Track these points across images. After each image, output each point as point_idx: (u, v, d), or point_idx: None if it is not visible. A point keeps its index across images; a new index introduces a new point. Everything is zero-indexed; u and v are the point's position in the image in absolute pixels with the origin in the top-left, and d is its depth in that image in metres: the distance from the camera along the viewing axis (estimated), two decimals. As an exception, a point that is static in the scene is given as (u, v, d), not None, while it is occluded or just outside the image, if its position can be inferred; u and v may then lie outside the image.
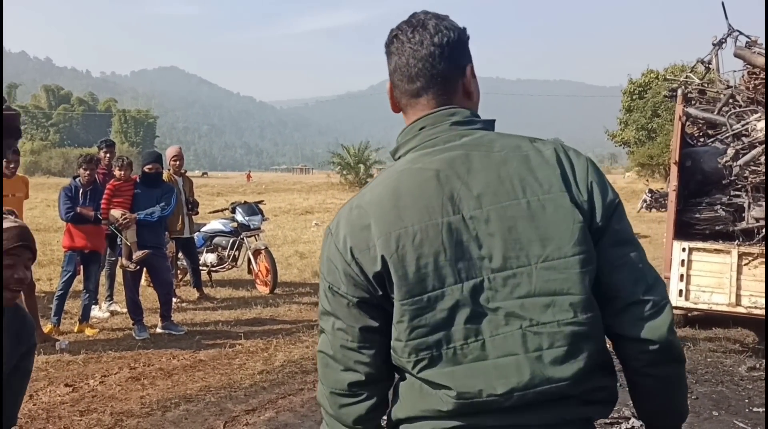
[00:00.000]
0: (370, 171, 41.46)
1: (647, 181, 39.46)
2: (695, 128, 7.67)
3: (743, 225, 6.32)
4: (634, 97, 48.31)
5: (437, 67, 1.39)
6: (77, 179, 6.78)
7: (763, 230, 6.20)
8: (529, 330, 1.26)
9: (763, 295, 5.72)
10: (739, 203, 6.49)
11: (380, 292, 1.32)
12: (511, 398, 1.26)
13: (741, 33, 8.22)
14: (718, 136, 7.26)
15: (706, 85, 8.11)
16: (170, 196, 7.02)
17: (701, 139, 7.47)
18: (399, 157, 1.42)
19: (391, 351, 1.34)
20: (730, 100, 7.41)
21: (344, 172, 40.83)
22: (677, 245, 6.24)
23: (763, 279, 5.69)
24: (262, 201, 10.44)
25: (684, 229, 6.50)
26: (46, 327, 6.59)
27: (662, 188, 31.47)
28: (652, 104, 45.84)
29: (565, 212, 1.28)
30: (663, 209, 28.20)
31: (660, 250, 14.80)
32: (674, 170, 6.46)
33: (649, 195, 28.70)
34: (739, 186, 6.40)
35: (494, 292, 1.27)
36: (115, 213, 6.74)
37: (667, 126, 44.12)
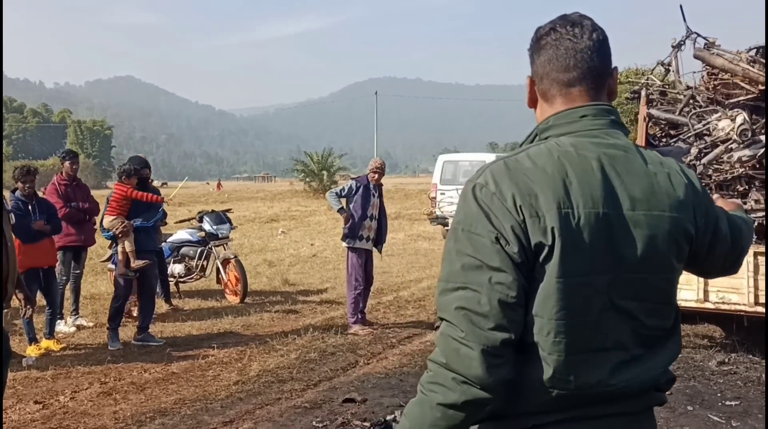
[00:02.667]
0: (334, 178, 41.35)
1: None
2: (657, 129, 7.83)
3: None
4: (591, 100, 49.17)
5: (593, 61, 1.46)
6: (17, 193, 6.63)
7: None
8: (638, 330, 1.40)
9: (730, 291, 5.86)
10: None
11: (528, 262, 1.33)
12: (620, 389, 1.37)
13: (699, 35, 8.41)
14: (681, 136, 7.42)
15: (666, 87, 8.28)
16: (159, 203, 6.99)
17: (663, 139, 7.62)
18: (548, 137, 1.46)
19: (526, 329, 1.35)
20: (691, 101, 7.57)
21: (308, 180, 40.63)
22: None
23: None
24: (230, 209, 10.32)
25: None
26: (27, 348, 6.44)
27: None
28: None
29: (687, 233, 1.45)
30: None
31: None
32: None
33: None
34: (703, 184, 6.53)
35: (622, 290, 1.36)
36: (115, 221, 6.64)
37: (628, 127, 45.06)
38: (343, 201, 7.57)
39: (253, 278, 10.34)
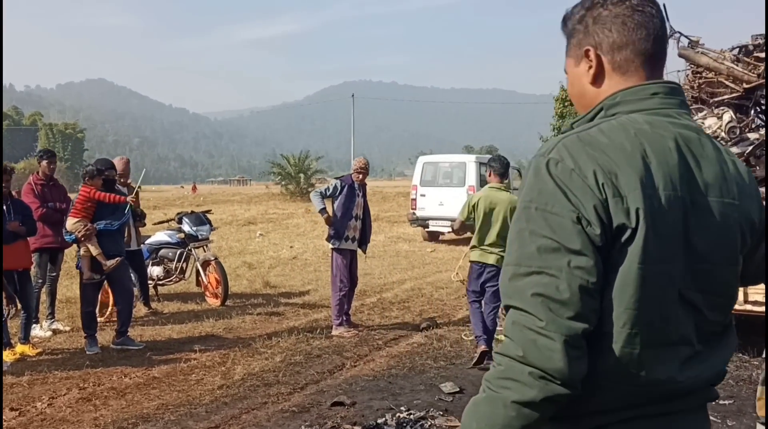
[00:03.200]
0: (311, 181, 41.13)
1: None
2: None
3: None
4: (566, 103, 49.45)
5: (664, 40, 1.41)
6: None
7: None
8: (701, 324, 1.30)
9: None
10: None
11: (607, 245, 1.21)
12: (687, 386, 1.29)
13: (682, 34, 8.44)
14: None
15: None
16: (125, 204, 6.73)
17: None
18: (615, 113, 1.35)
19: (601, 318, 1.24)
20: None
21: (284, 183, 40.37)
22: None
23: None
24: (210, 210, 10.13)
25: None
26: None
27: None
28: (585, 110, 47.12)
29: (751, 224, 1.37)
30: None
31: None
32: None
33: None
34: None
35: (690, 281, 1.28)
36: (78, 224, 6.41)
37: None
38: (328, 201, 7.44)
39: (234, 281, 10.15)
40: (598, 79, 1.40)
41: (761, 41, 7.62)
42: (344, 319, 7.31)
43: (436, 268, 12.24)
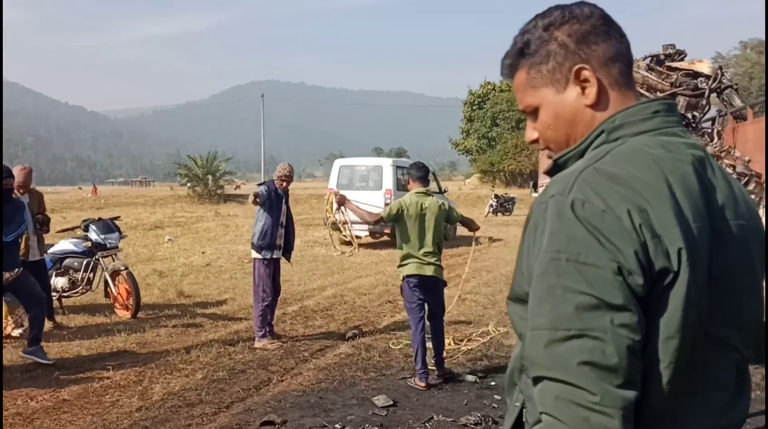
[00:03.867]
0: (220, 182, 40.17)
1: (493, 186, 41.38)
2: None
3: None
4: (474, 107, 50.61)
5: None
6: None
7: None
8: (739, 362, 1.20)
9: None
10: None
11: (648, 291, 1.07)
12: None
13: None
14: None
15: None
16: (22, 213, 6.16)
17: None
18: (618, 137, 1.22)
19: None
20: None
21: (192, 185, 39.25)
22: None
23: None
24: (119, 217, 9.57)
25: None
26: None
27: (506, 193, 33.16)
28: (492, 114, 48.25)
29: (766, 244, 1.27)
30: (507, 213, 29.68)
31: (516, 253, 15.46)
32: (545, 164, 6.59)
33: (495, 200, 30.13)
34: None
35: (720, 316, 1.15)
36: None
37: (506, 135, 46.70)
38: (253, 208, 7.11)
39: (144, 290, 9.62)
40: (600, 99, 1.25)
41: (671, 51, 7.91)
42: (267, 330, 7.03)
43: (356, 274, 12.08)
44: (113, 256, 8.53)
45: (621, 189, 1.09)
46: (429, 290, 5.67)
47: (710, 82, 7.26)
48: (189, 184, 39.66)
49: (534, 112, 1.33)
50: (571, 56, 1.25)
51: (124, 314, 8.27)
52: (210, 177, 39.16)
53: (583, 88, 1.25)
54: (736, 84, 7.49)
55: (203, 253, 15.23)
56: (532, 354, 1.09)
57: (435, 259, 5.61)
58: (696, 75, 7.33)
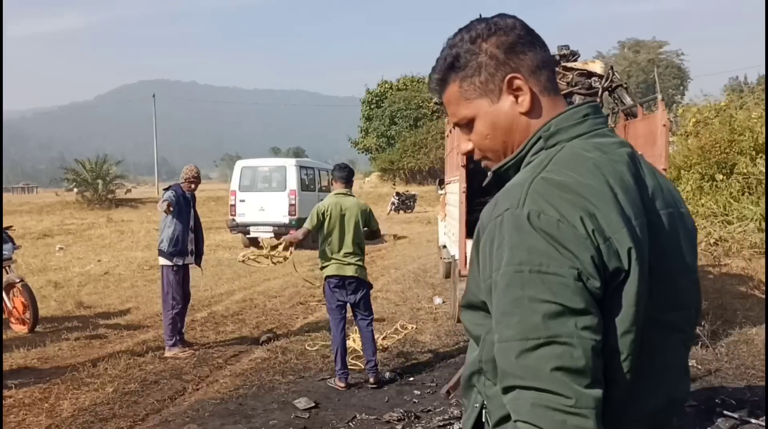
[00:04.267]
0: (110, 187, 38.50)
1: (393, 184, 41.83)
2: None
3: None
4: (372, 106, 50.95)
5: None
6: None
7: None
8: (683, 345, 1.30)
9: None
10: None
11: (603, 292, 1.14)
12: (667, 414, 1.27)
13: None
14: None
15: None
16: None
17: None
18: (556, 143, 1.28)
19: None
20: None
21: (80, 190, 37.38)
22: (469, 243, 6.55)
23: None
24: (11, 226, 9.00)
25: (472, 229, 6.85)
26: None
27: (407, 191, 33.62)
28: (390, 113, 48.74)
29: (693, 227, 1.35)
30: (409, 210, 30.10)
31: (421, 250, 15.71)
32: (462, 173, 6.75)
33: (397, 198, 30.49)
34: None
35: (663, 302, 1.23)
36: None
37: (404, 133, 47.33)
38: (160, 214, 6.87)
39: (40, 303, 9.08)
40: (534, 107, 1.31)
41: (566, 52, 8.27)
42: (178, 338, 6.83)
43: (264, 277, 11.92)
44: (7, 267, 8.03)
45: (570, 196, 1.14)
46: (351, 291, 5.66)
47: (603, 82, 7.65)
48: (77, 190, 37.75)
49: (468, 124, 1.36)
50: (502, 67, 1.29)
51: (20, 329, 7.81)
52: (100, 181, 37.41)
53: (517, 97, 1.30)
54: (626, 83, 7.92)
55: (99, 261, 14.58)
56: (503, 365, 1.12)
57: (356, 259, 5.63)
58: (590, 75, 7.71)
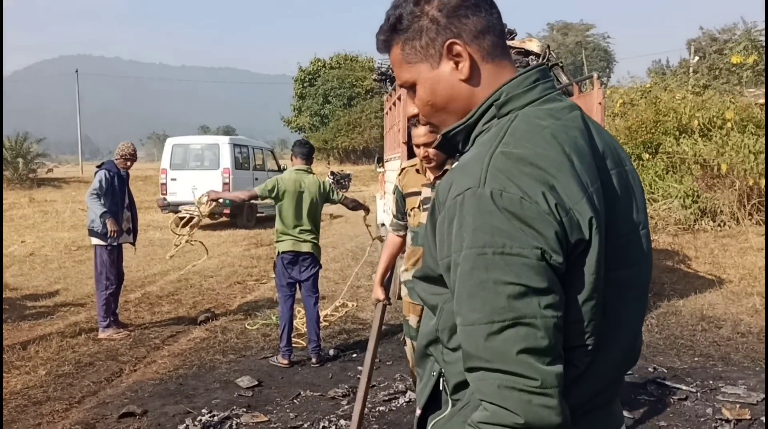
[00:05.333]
0: (31, 166, 36.95)
1: (328, 164, 41.58)
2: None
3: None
4: (305, 84, 50.40)
5: None
6: None
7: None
8: (637, 301, 1.28)
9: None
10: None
11: (565, 267, 1.13)
12: (622, 369, 1.30)
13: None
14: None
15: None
16: None
17: (412, 119, 7.95)
18: (510, 111, 1.25)
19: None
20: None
21: (-2, 169, 35.72)
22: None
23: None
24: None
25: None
26: None
27: (341, 170, 33.49)
28: (323, 91, 48.34)
29: (640, 183, 1.34)
30: (344, 190, 30.05)
31: (358, 228, 15.68)
32: (403, 150, 6.75)
33: (332, 177, 30.34)
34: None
35: (618, 260, 1.21)
36: None
37: (338, 112, 47.08)
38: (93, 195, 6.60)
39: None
40: (473, 73, 1.26)
41: (507, 30, 8.35)
42: (112, 319, 6.63)
43: (198, 256, 11.68)
44: None
45: (530, 170, 1.12)
46: (305, 268, 5.60)
47: (540, 60, 7.76)
48: (-5, 168, 36.08)
49: (412, 87, 1.33)
50: (443, 31, 1.25)
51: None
52: (20, 160, 35.86)
53: (457, 63, 1.26)
54: (561, 61, 8.06)
55: (23, 242, 13.99)
56: (469, 348, 1.11)
57: (311, 236, 5.58)
58: (527, 53, 7.81)
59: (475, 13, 1.25)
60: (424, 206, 3.66)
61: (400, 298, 5.65)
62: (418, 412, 1.41)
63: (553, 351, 1.08)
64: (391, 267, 4.08)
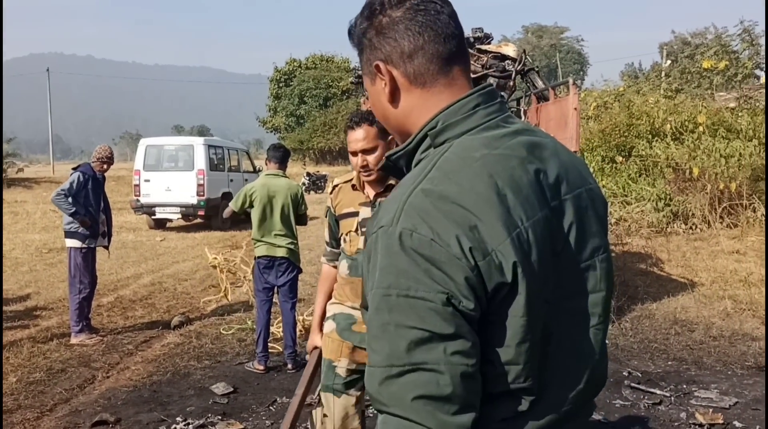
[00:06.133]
0: (2, 165, 36.30)
1: (304, 164, 41.46)
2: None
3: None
4: (280, 84, 50.16)
5: (459, 37, 1.21)
6: None
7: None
8: (596, 328, 1.22)
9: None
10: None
11: (484, 308, 1.07)
12: (581, 409, 1.23)
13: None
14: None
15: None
16: None
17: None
18: (445, 141, 1.18)
19: (489, 380, 1.10)
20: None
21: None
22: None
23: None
24: None
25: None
26: None
27: (317, 171, 33.40)
28: (299, 92, 48.16)
29: (604, 202, 1.29)
30: (320, 191, 29.97)
31: (333, 230, 15.69)
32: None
33: (308, 178, 30.28)
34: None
35: (568, 287, 1.17)
36: None
37: (314, 112, 46.92)
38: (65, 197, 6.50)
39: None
40: (395, 97, 1.23)
41: (480, 34, 8.39)
42: (85, 324, 6.54)
43: (173, 259, 11.58)
44: None
45: (450, 208, 1.06)
46: (281, 273, 5.58)
47: (515, 65, 7.80)
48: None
49: None
50: (374, 51, 1.22)
51: None
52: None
53: (384, 84, 1.22)
54: (537, 66, 8.11)
55: (-8, 244, 13.73)
56: (370, 390, 1.08)
57: (286, 241, 5.56)
58: (503, 57, 7.84)
59: (405, 35, 1.19)
60: (362, 229, 2.95)
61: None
62: None
63: (460, 401, 1.02)
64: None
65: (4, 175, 36.26)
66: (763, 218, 11.23)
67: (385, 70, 1.20)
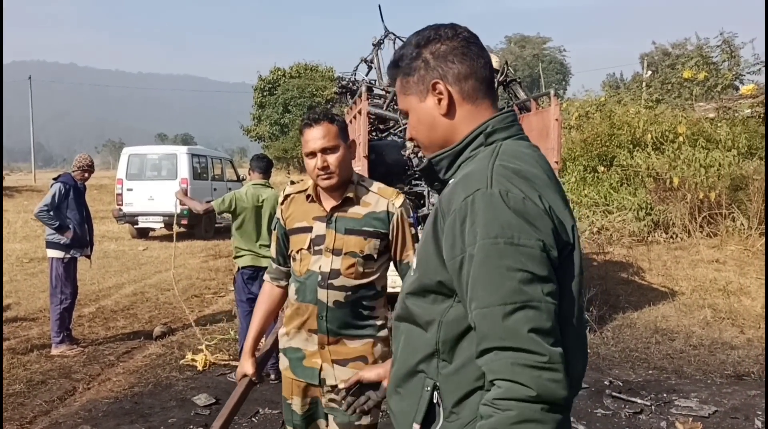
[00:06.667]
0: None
1: (288, 173, 41.39)
2: (368, 122, 8.18)
3: (424, 211, 6.94)
4: (265, 93, 50.07)
5: (494, 69, 1.62)
6: None
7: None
8: (583, 311, 1.46)
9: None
10: (419, 191, 7.11)
11: (556, 264, 1.31)
12: (579, 387, 1.48)
13: (396, 36, 8.99)
14: (391, 130, 7.85)
15: (372, 83, 8.69)
16: None
17: (373, 133, 7.98)
18: (495, 141, 1.47)
19: None
20: (395, 97, 8.06)
21: (-53, 176, 34.67)
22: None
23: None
24: None
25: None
26: None
27: (301, 179, 33.36)
28: (283, 100, 48.12)
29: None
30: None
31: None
32: (365, 164, 6.76)
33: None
34: (418, 175, 6.99)
35: (580, 266, 1.42)
36: None
37: (298, 121, 46.87)
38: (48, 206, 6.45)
39: None
40: (450, 110, 1.49)
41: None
42: (66, 335, 6.48)
43: (155, 269, 11.50)
44: None
45: (525, 177, 1.34)
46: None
47: (498, 76, 7.87)
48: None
49: (407, 114, 1.58)
50: (431, 71, 1.49)
51: None
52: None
53: (439, 100, 1.49)
54: (519, 78, 8.19)
55: (-28, 253, 13.58)
56: (485, 329, 1.25)
57: None
58: (487, 69, 7.91)
59: (462, 60, 1.48)
60: (316, 247, 2.54)
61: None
62: (416, 427, 1.48)
63: (555, 334, 1.23)
64: (266, 329, 2.93)
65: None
66: (742, 228, 11.37)
67: (444, 88, 1.48)
